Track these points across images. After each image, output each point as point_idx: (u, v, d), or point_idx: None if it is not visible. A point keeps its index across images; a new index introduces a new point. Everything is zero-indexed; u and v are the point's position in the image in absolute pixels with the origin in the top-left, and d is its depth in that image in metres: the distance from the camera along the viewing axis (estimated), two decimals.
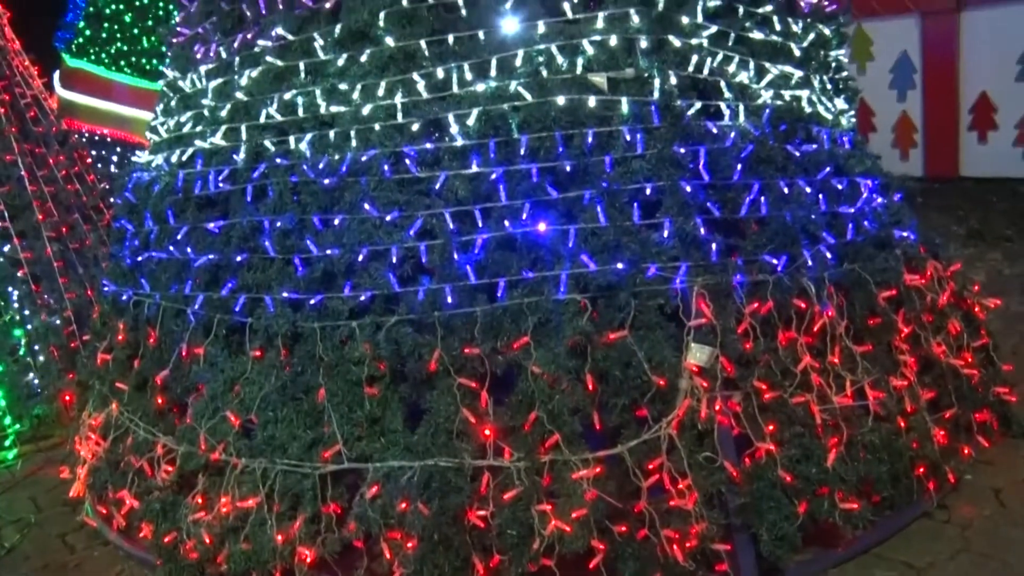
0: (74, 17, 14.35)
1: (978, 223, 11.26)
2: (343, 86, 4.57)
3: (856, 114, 6.17)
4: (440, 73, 4.37)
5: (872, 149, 6.16)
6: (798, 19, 5.27)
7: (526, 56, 4.29)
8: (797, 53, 5.16)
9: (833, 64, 5.71)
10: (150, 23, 13.79)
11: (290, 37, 4.86)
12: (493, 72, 4.31)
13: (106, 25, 13.97)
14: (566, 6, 4.37)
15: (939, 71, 12.09)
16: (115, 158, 13.42)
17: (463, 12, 4.43)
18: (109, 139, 13.81)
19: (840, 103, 5.79)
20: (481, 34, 4.37)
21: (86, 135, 13.54)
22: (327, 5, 4.73)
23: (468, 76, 4.32)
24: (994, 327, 6.00)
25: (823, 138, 5.14)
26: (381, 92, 4.45)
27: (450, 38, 4.41)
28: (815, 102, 5.27)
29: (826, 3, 5.62)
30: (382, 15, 4.50)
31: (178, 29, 5.97)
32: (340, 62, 4.62)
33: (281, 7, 4.94)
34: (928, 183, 12.03)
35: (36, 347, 7.44)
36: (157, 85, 11.35)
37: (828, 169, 4.90)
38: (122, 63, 13.88)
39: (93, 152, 13.04)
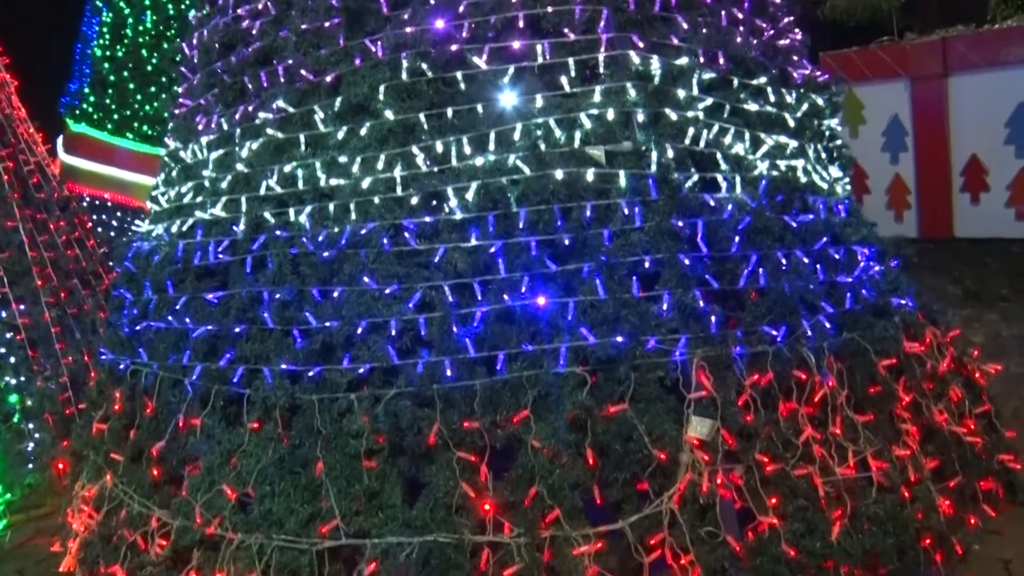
0: (79, 84, 14.57)
1: (974, 284, 11.29)
2: (343, 158, 4.62)
3: (851, 180, 6.24)
4: (439, 146, 4.42)
5: (867, 211, 6.22)
6: (792, 90, 5.35)
7: (524, 130, 4.35)
8: (791, 123, 5.23)
9: (827, 133, 5.79)
10: (153, 89, 14.00)
11: (291, 110, 4.93)
12: (492, 146, 4.36)
13: (110, 91, 14.18)
14: (563, 80, 4.44)
15: (930, 134, 12.29)
16: (115, 222, 13.49)
17: (462, 86, 4.50)
18: (110, 203, 13.91)
19: (835, 171, 5.86)
20: (480, 108, 4.43)
21: (87, 199, 13.64)
22: (328, 79, 4.80)
23: (467, 149, 4.37)
24: (995, 390, 5.98)
25: (819, 207, 5.19)
26: (380, 165, 4.49)
27: (449, 112, 4.47)
28: (810, 171, 5.33)
29: (819, 74, 5.72)
30: (382, 89, 4.57)
31: (180, 100, 6.05)
32: (340, 135, 4.68)
33: (282, 80, 5.01)
34: (923, 244, 12.11)
35: (31, 415, 7.37)
36: (159, 150, 11.47)
37: (825, 239, 4.94)
38: (124, 129, 14.06)
39: (94, 216, 13.15)
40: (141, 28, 14.20)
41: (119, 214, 13.66)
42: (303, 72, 4.87)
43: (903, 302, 5.35)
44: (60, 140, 14.35)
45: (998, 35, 12.28)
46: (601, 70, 4.44)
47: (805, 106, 5.42)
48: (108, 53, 14.24)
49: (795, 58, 5.56)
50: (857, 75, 12.55)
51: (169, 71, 13.24)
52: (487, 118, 4.40)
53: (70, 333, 8.23)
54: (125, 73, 14.00)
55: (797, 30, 5.87)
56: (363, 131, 4.59)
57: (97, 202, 13.78)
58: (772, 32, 5.37)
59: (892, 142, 12.61)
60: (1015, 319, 9.94)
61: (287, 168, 4.83)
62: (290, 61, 4.95)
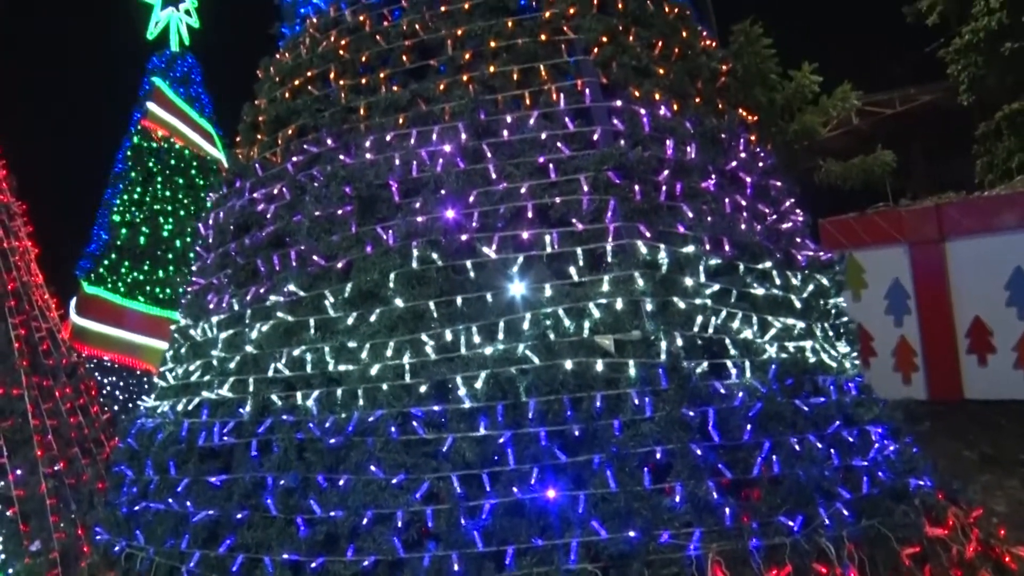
0: (96, 248, 14.97)
1: (990, 448, 11.08)
2: (352, 344, 4.64)
3: (857, 343, 6.23)
4: (448, 335, 4.44)
5: (873, 374, 6.17)
6: (796, 272, 5.43)
7: (533, 319, 4.37)
8: (798, 305, 5.27)
9: (833, 311, 5.82)
10: (169, 256, 14.38)
11: (301, 293, 4.99)
12: (501, 334, 4.38)
13: (126, 255, 14.56)
14: (572, 269, 4.51)
15: (931, 297, 12.41)
16: (123, 383, 13.50)
17: (471, 274, 4.57)
18: (117, 365, 13.97)
19: (842, 347, 5.85)
20: (489, 296, 4.48)
21: (95, 361, 13.71)
22: (339, 264, 4.89)
23: (476, 338, 4.39)
24: None
25: (830, 388, 5.14)
26: (389, 352, 4.50)
27: (458, 300, 4.52)
28: (819, 350, 5.32)
29: (822, 254, 5.82)
30: (392, 276, 4.64)
31: (193, 278, 6.15)
32: (350, 320, 4.71)
33: (294, 264, 5.10)
34: (933, 406, 11.97)
35: None
36: (169, 313, 11.60)
37: (838, 422, 4.86)
38: (137, 292, 14.33)
39: (99, 376, 13.16)
40: (158, 196, 14.73)
41: (125, 374, 13.69)
42: (315, 257, 4.97)
43: (921, 482, 5.20)
44: (73, 302, 14.60)
45: (989, 202, 12.62)
46: (609, 259, 4.51)
47: (810, 287, 5.47)
48: (127, 219, 14.70)
49: (798, 240, 5.66)
50: (856, 240, 12.82)
51: (184, 236, 13.65)
52: (496, 307, 4.44)
53: (66, 505, 8.04)
54: (141, 239, 14.42)
55: (799, 211, 6.01)
56: (373, 317, 4.62)
57: (106, 363, 13.85)
58: (775, 216, 5.50)
59: (895, 305, 12.73)
60: None
61: (296, 351, 4.84)
62: (302, 246, 5.06)
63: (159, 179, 14.99)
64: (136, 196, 14.83)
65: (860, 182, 16.65)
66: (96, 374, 12.85)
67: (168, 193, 14.87)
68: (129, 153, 15.45)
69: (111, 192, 15.38)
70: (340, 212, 4.98)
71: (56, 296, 10.84)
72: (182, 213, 14.59)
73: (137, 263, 14.39)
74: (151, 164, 15.15)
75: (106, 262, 14.57)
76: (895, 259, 12.69)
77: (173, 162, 15.26)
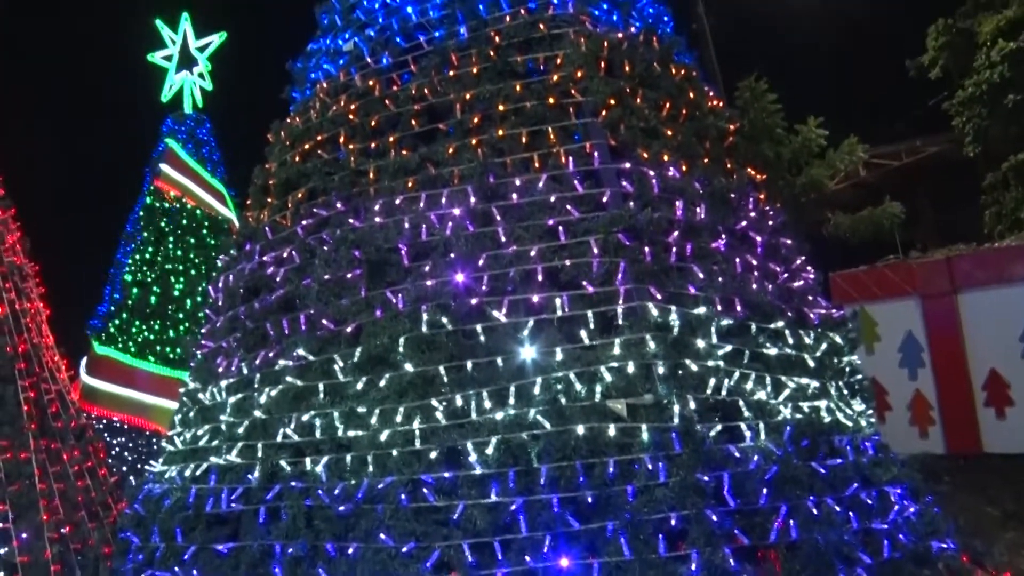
0: (107, 308, 15.05)
1: (1013, 503, 10.84)
2: (361, 409, 4.59)
3: (875, 412, 6.14)
4: (459, 400, 4.39)
5: (889, 428, 6.07)
6: (809, 330, 5.38)
7: (544, 383, 4.33)
8: (811, 364, 5.21)
9: (847, 369, 5.76)
10: (179, 315, 14.43)
11: (311, 358, 4.96)
12: (512, 399, 4.33)
13: (136, 315, 14.62)
14: (583, 333, 4.48)
15: (946, 349, 12.26)
16: (132, 445, 13.44)
17: (482, 339, 4.54)
18: (127, 426, 13.93)
19: (858, 405, 5.77)
20: (499, 361, 4.45)
21: (105, 421, 13.67)
22: (348, 329, 4.87)
23: (487, 403, 4.34)
24: None
25: (847, 449, 5.05)
26: (399, 417, 4.45)
27: (469, 364, 4.48)
28: (834, 409, 5.25)
29: (834, 312, 5.77)
30: (402, 340, 4.61)
31: (202, 341, 6.14)
32: (359, 385, 4.68)
33: (304, 328, 5.09)
34: (952, 460, 11.75)
35: None
36: (179, 373, 11.58)
37: (856, 484, 4.76)
38: (147, 351, 14.35)
39: (109, 437, 13.11)
40: (170, 255, 14.84)
41: (134, 435, 13.64)
42: (324, 321, 4.96)
43: (944, 545, 5.08)
44: (84, 362, 14.61)
45: (1000, 253, 12.55)
46: (620, 321, 4.48)
47: (824, 345, 5.42)
48: (138, 278, 14.80)
49: (810, 298, 5.63)
50: (867, 294, 12.73)
51: (195, 296, 13.71)
52: (507, 371, 4.40)
53: (71, 571, 7.93)
54: (152, 298, 14.50)
55: (810, 268, 5.98)
56: (382, 382, 4.59)
57: (115, 424, 13.81)
58: (786, 274, 5.48)
59: (909, 358, 12.58)
60: None
61: (305, 417, 4.80)
62: (312, 310, 5.05)
63: (171, 239, 15.14)
64: (148, 256, 14.95)
65: (869, 234, 16.64)
66: (105, 435, 12.80)
67: (180, 253, 14.99)
68: (142, 213, 15.64)
69: (123, 252, 15.52)
70: (350, 276, 4.98)
71: (67, 357, 10.85)
72: (193, 272, 14.69)
73: (148, 323, 14.45)
74: (163, 224, 15.31)
75: (116, 321, 14.63)
76: (907, 312, 12.58)
77: (185, 222, 15.43)
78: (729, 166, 5.81)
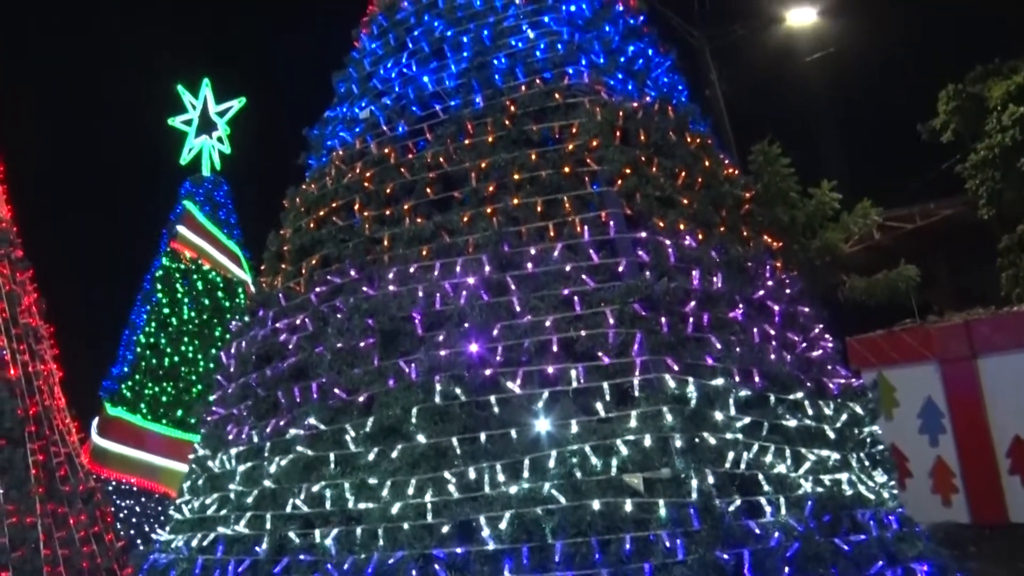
0: (120, 369, 15.05)
1: None
2: (372, 481, 4.51)
3: (896, 484, 5.99)
4: (472, 473, 4.30)
5: (911, 496, 5.91)
6: (829, 401, 5.28)
7: (559, 457, 4.24)
8: (832, 435, 5.10)
9: (868, 440, 5.63)
10: (192, 377, 14.42)
11: (322, 427, 4.89)
12: (526, 473, 4.24)
13: (150, 376, 14.62)
14: (599, 405, 4.40)
15: (967, 415, 12.04)
16: (140, 508, 13.29)
17: (496, 410, 4.47)
18: (137, 488, 13.80)
19: (879, 476, 5.63)
20: (514, 433, 4.36)
21: (114, 484, 13.56)
22: (360, 398, 4.81)
23: (500, 476, 4.25)
24: None
25: (870, 524, 4.90)
26: (411, 490, 4.36)
27: (482, 436, 4.40)
28: (856, 482, 5.12)
29: (854, 381, 5.68)
30: (415, 411, 4.54)
31: (213, 408, 6.08)
32: (371, 456, 4.60)
33: (315, 397, 5.03)
34: (978, 530, 11.44)
35: None
36: (191, 435, 11.48)
37: (881, 562, 4.61)
38: (159, 412, 14.31)
39: (118, 500, 12.98)
40: (185, 317, 14.89)
41: (143, 499, 13.49)
42: (336, 390, 4.90)
43: None
44: (95, 423, 14.57)
45: (1019, 318, 12.40)
46: (636, 393, 4.40)
47: (844, 416, 5.31)
48: (152, 340, 14.83)
49: (829, 367, 5.54)
50: (885, 359, 12.57)
51: (208, 358, 13.70)
52: (521, 444, 4.32)
53: None
54: (166, 360, 14.51)
55: (828, 337, 5.90)
56: (394, 454, 4.51)
57: (123, 486, 13.69)
58: (804, 344, 5.40)
59: (929, 424, 12.35)
60: None
61: (315, 488, 4.71)
62: (324, 379, 5.00)
63: (186, 301, 15.22)
64: (162, 318, 15.02)
65: (884, 297, 16.48)
66: (115, 498, 12.68)
67: (194, 315, 15.05)
68: (158, 274, 15.75)
69: (138, 313, 15.60)
70: (362, 345, 4.94)
71: (78, 419, 10.81)
72: (207, 333, 14.71)
73: (160, 384, 14.43)
74: (179, 286, 15.41)
75: (129, 383, 14.62)
76: (926, 377, 12.39)
77: (200, 284, 15.52)
78: (745, 234, 5.78)
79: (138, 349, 14.74)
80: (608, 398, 4.41)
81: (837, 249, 16.24)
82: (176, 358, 14.47)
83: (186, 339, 14.68)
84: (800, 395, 5.03)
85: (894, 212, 20.58)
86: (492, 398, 4.48)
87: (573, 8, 6.22)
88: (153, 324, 14.87)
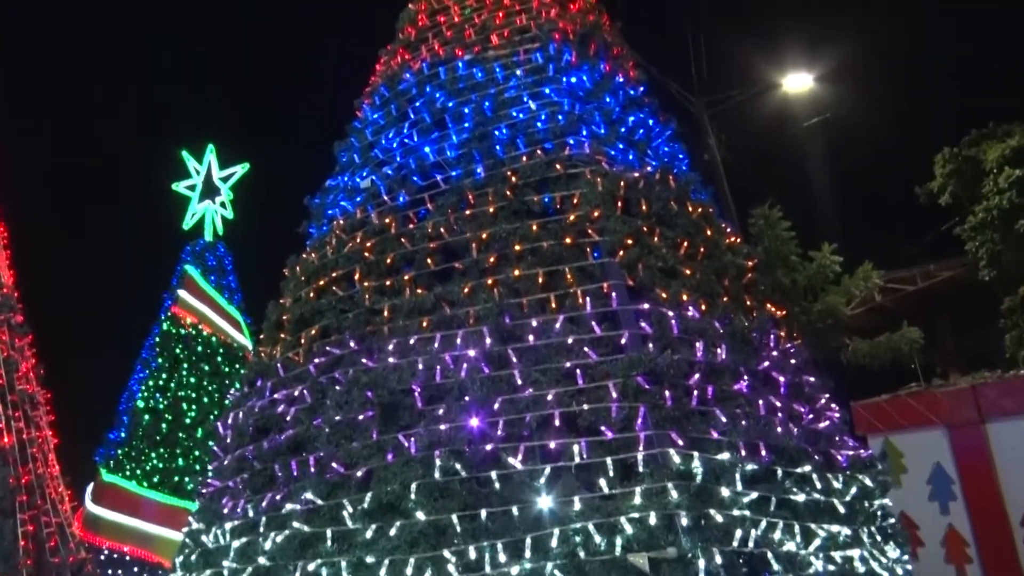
0: (117, 434, 14.89)
1: None
2: (370, 559, 4.38)
3: (909, 556, 5.83)
4: (472, 552, 4.18)
5: (923, 566, 5.76)
6: (837, 473, 5.16)
7: (562, 535, 4.12)
8: (842, 509, 4.97)
9: (879, 513, 5.50)
10: (188, 443, 14.26)
11: (319, 502, 4.78)
12: (528, 552, 4.12)
13: (146, 442, 14.44)
14: (602, 481, 4.29)
15: (978, 482, 11.80)
16: None
17: (496, 486, 4.36)
18: (130, 558, 13.50)
19: (892, 551, 5.48)
20: (515, 510, 4.25)
21: (106, 552, 13.27)
22: (358, 473, 4.70)
23: (501, 556, 4.13)
24: None
25: None
26: (410, 570, 4.23)
27: (483, 513, 4.29)
28: (868, 559, 4.97)
29: (862, 452, 5.57)
30: (414, 487, 4.43)
31: (209, 480, 5.96)
32: (368, 533, 4.47)
33: (312, 471, 4.92)
34: None
35: None
36: (187, 503, 11.27)
37: None
38: (155, 480, 14.10)
39: (110, 570, 12.70)
40: (184, 382, 14.79)
41: (136, 569, 13.19)
42: (334, 464, 4.80)
43: None
44: (89, 489, 14.34)
45: None
46: (641, 469, 4.30)
47: (853, 489, 5.19)
48: (151, 405, 14.69)
49: (837, 439, 5.44)
50: (891, 424, 12.39)
51: (206, 424, 13.57)
52: (523, 521, 4.20)
53: None
54: (164, 425, 14.35)
55: (834, 406, 5.82)
56: (393, 531, 4.38)
57: (116, 555, 13.39)
58: (811, 415, 5.31)
59: (939, 491, 12.10)
60: None
61: (311, 566, 4.58)
62: (322, 453, 4.90)
63: (185, 365, 15.12)
64: (161, 382, 14.90)
65: (888, 360, 16.35)
66: (107, 568, 12.40)
67: (193, 380, 14.94)
68: (157, 339, 15.68)
69: (136, 378, 15.48)
70: (361, 418, 4.85)
71: (71, 486, 10.64)
72: (206, 400, 14.57)
73: (157, 450, 14.24)
74: (178, 351, 15.33)
75: (126, 448, 14.44)
76: (934, 442, 12.19)
77: (200, 349, 15.44)
78: (749, 303, 5.73)
79: (135, 414, 14.59)
80: (612, 474, 4.31)
81: (839, 312, 16.16)
82: (174, 424, 14.30)
83: (184, 405, 14.53)
84: (808, 468, 4.92)
85: (895, 274, 20.56)
86: (493, 474, 4.38)
87: (574, 79, 6.27)
88: (152, 389, 14.75)
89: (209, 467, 6.18)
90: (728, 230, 6.34)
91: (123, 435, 14.69)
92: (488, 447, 4.42)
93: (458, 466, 4.40)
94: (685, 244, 5.54)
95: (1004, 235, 17.17)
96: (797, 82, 17.28)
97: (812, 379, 5.74)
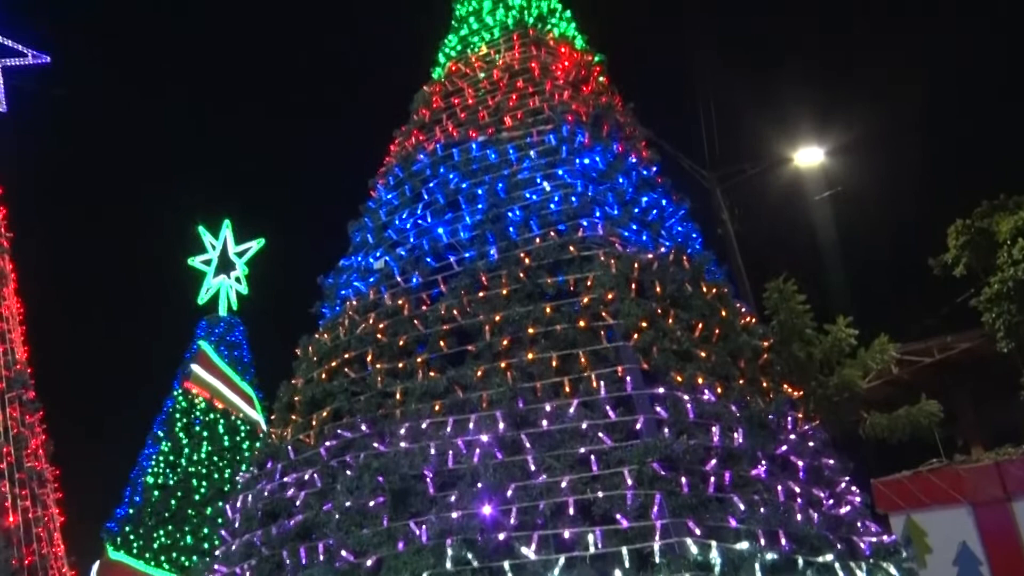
0: (125, 511, 14.71)
1: None
2: None
3: None
4: None
5: None
6: (860, 562, 5.01)
7: None
8: None
9: None
10: (196, 520, 14.07)
11: None
12: None
13: (155, 519, 14.25)
14: (617, 572, 4.18)
15: (1008, 563, 11.45)
16: None
17: None
18: None
19: None
20: None
21: None
22: (368, 562, 4.60)
23: None
24: None
25: None
26: None
27: None
28: None
29: (886, 539, 5.41)
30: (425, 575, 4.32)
31: (215, 566, 5.83)
32: None
33: (321, 559, 4.81)
34: None
35: None
36: None
37: None
38: (163, 556, 13.85)
39: None
40: (195, 458, 14.67)
41: None
42: (343, 552, 4.69)
43: None
44: (95, 568, 14.09)
45: None
46: (657, 559, 4.19)
47: None
48: (160, 481, 14.55)
49: (859, 525, 5.29)
50: (913, 502, 12.12)
51: (216, 501, 13.40)
52: None
53: None
54: (173, 501, 14.19)
55: (856, 489, 5.68)
56: None
57: None
58: (831, 500, 5.18)
59: (966, 572, 11.74)
60: None
61: None
62: (331, 540, 4.80)
63: (196, 441, 15.00)
64: (172, 458, 14.77)
65: (907, 433, 16.06)
66: None
67: (204, 456, 14.80)
68: (169, 414, 15.58)
69: (147, 453, 15.35)
70: (372, 504, 4.77)
71: (76, 566, 10.48)
72: (216, 476, 14.41)
73: (166, 527, 14.02)
74: (190, 427, 15.22)
75: (132, 524, 14.24)
76: (959, 521, 11.88)
77: (212, 425, 15.32)
78: (765, 385, 5.65)
79: (144, 490, 14.42)
80: (628, 564, 4.20)
81: (855, 385, 15.92)
82: (184, 500, 14.12)
83: (195, 480, 14.36)
84: (830, 557, 4.77)
85: (912, 346, 20.34)
86: (506, 564, 4.27)
87: (587, 161, 6.33)
88: (161, 464, 14.60)
89: (216, 552, 6.06)
90: (743, 310, 6.31)
91: (131, 511, 14.50)
92: (501, 536, 4.32)
93: (470, 555, 4.30)
94: (700, 326, 5.50)
95: (1021, 306, 17.01)
96: (808, 156, 17.38)
97: (831, 461, 5.62)
